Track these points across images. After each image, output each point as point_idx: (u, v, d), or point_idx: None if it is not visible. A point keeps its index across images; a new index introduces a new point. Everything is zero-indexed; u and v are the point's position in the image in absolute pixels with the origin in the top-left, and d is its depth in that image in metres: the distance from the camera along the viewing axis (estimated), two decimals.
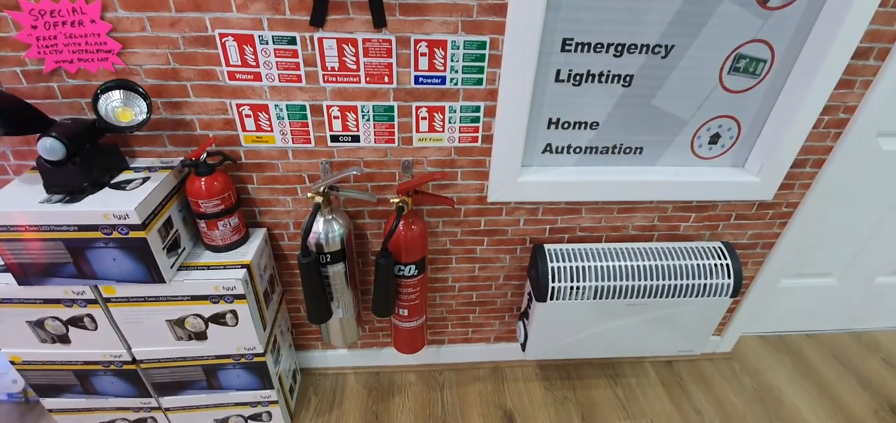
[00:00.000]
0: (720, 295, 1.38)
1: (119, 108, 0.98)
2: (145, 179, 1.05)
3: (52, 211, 0.94)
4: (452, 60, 1.08)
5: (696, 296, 1.37)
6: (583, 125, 1.25)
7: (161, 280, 1.06)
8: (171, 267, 1.10)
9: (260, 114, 1.12)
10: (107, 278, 1.05)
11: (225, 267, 1.15)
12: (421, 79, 1.11)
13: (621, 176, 1.31)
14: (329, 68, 1.07)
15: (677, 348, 1.57)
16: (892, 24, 1.12)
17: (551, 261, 1.34)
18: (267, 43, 1.03)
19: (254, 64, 1.05)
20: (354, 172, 1.13)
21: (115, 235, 0.97)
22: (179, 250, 1.13)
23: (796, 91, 1.19)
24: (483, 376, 1.75)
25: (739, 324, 1.78)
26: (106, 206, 0.95)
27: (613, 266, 1.34)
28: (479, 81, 1.12)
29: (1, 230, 0.95)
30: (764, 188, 1.36)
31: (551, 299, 1.34)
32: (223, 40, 1.02)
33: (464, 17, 1.03)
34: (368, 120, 1.16)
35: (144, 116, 1.00)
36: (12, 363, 1.20)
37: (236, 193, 1.18)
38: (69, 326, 1.15)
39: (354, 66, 1.07)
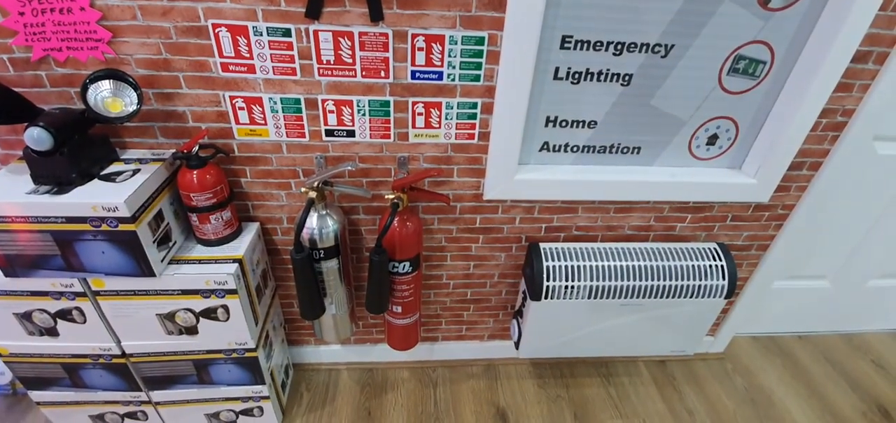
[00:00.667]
0: (714, 296, 1.38)
1: (109, 98, 0.96)
2: (136, 171, 1.03)
3: (40, 202, 0.92)
4: (450, 56, 1.07)
5: (691, 297, 1.37)
6: (581, 124, 1.24)
7: (151, 274, 1.05)
8: (162, 261, 1.08)
9: (253, 106, 1.11)
10: (95, 270, 1.03)
11: (217, 261, 1.13)
12: (418, 74, 1.09)
13: (618, 176, 1.30)
14: (324, 61, 1.05)
15: (671, 349, 1.58)
16: (892, 28, 1.11)
17: (547, 260, 1.33)
18: (261, 34, 1.01)
19: (248, 55, 1.03)
20: (349, 168, 1.11)
21: (105, 227, 0.96)
22: (170, 244, 1.12)
23: (795, 93, 1.19)
24: (476, 373, 1.75)
25: (733, 325, 1.79)
26: (95, 198, 0.93)
27: (609, 266, 1.33)
28: (477, 78, 1.11)
29: None
30: (760, 190, 1.36)
31: (546, 297, 1.34)
32: (216, 31, 1.00)
33: (462, 12, 1.02)
34: (364, 115, 1.14)
35: (135, 107, 0.98)
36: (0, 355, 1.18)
37: (229, 187, 1.16)
38: (57, 319, 1.13)
39: (350, 60, 1.06)
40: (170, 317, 1.15)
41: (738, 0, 1.06)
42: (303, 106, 1.12)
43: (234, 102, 1.10)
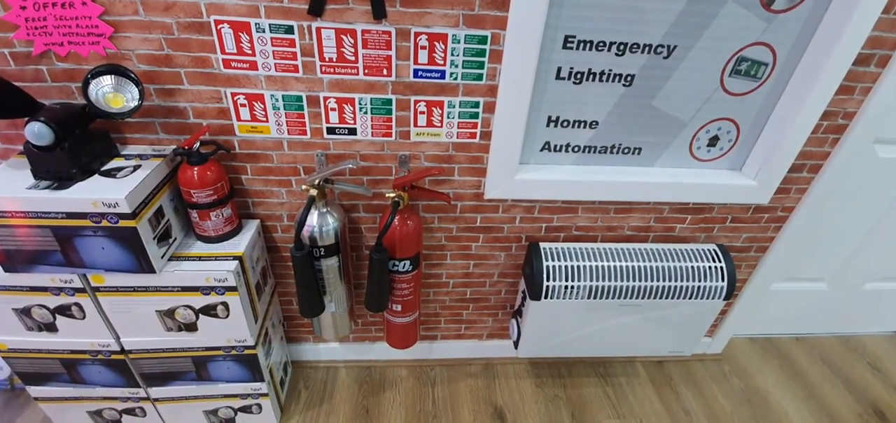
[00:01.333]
0: (713, 298, 1.38)
1: (110, 93, 0.96)
2: (136, 167, 1.03)
3: (40, 197, 0.91)
4: (453, 55, 1.07)
5: (690, 298, 1.37)
6: (582, 124, 1.24)
7: (151, 270, 1.04)
8: (162, 257, 1.08)
9: (255, 103, 1.10)
10: (95, 266, 1.03)
11: (217, 258, 1.13)
12: (420, 72, 1.09)
13: (619, 176, 1.30)
14: (327, 59, 1.05)
15: (669, 349, 1.58)
16: (894, 31, 1.11)
17: (546, 260, 1.33)
18: (263, 31, 1.01)
19: (250, 52, 1.03)
20: (350, 166, 1.11)
21: (105, 223, 0.95)
22: (170, 240, 1.11)
23: (797, 95, 1.19)
24: (475, 372, 1.75)
25: (730, 326, 1.79)
26: (95, 193, 0.93)
27: (608, 266, 1.33)
28: (479, 77, 1.11)
29: None
30: (760, 192, 1.36)
31: (545, 297, 1.34)
32: (218, 27, 0.99)
33: (465, 11, 1.02)
34: (366, 113, 1.14)
35: (136, 103, 0.98)
36: None
37: (229, 184, 1.16)
38: (56, 314, 1.13)
39: (353, 58, 1.05)
40: (169, 314, 1.15)
41: (742, 1, 1.06)
42: (304, 103, 1.11)
43: (235, 98, 1.09)
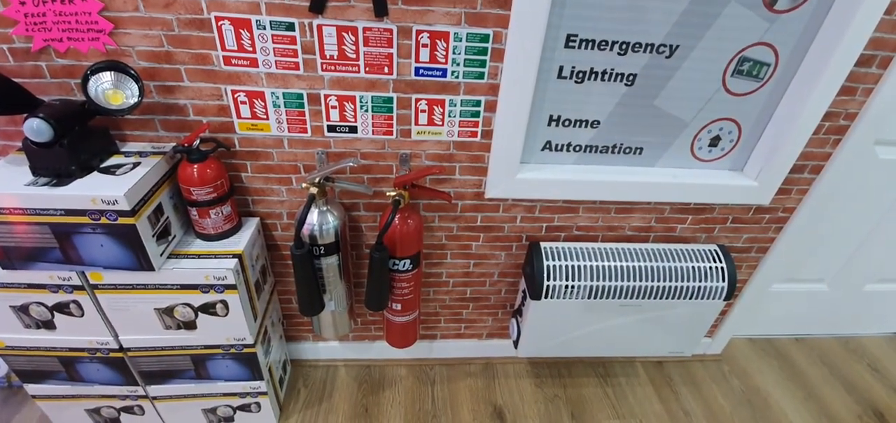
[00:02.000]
0: (714, 298, 1.38)
1: (110, 90, 0.95)
2: (136, 165, 1.02)
3: (39, 194, 0.91)
4: (454, 53, 1.06)
5: (690, 298, 1.37)
6: (583, 123, 1.24)
7: (150, 268, 1.04)
8: (161, 255, 1.07)
9: (256, 101, 1.10)
10: (94, 264, 1.02)
11: (216, 256, 1.13)
12: (422, 71, 1.08)
13: (620, 176, 1.30)
14: (328, 56, 1.05)
15: (669, 350, 1.58)
16: None
17: (547, 259, 1.33)
18: (264, 28, 1.00)
19: (250, 49, 1.02)
20: (351, 164, 1.11)
21: (104, 220, 0.95)
22: (170, 238, 1.11)
23: (799, 96, 1.19)
24: (474, 371, 1.74)
25: (731, 326, 1.79)
26: (94, 190, 0.92)
27: (609, 266, 1.33)
28: (481, 76, 1.10)
29: None
30: (762, 193, 1.36)
31: (546, 297, 1.33)
32: (219, 24, 0.99)
33: (467, 9, 1.01)
34: (367, 111, 1.13)
35: (136, 100, 0.97)
36: None
37: (229, 182, 1.15)
38: (54, 312, 1.12)
39: (354, 56, 1.05)
40: (168, 312, 1.15)
41: (744, 1, 1.06)
42: (305, 101, 1.11)
43: (235, 95, 1.09)
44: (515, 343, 1.56)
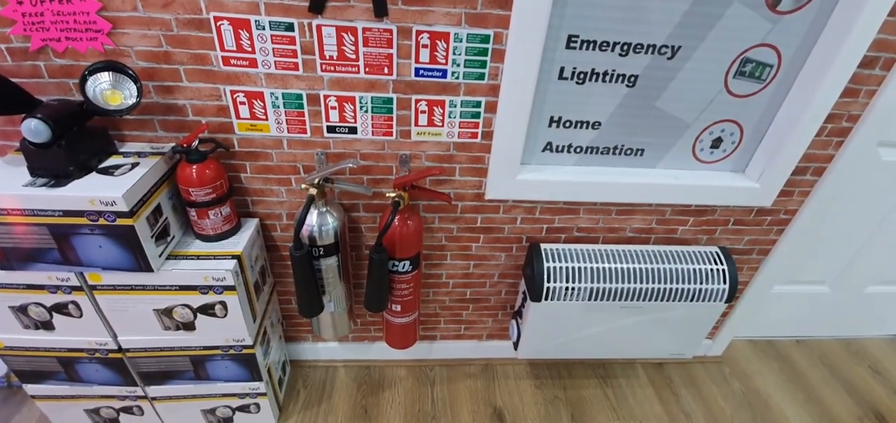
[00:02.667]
0: (715, 300, 1.37)
1: (108, 90, 0.94)
2: (134, 165, 1.02)
3: (36, 195, 0.90)
4: (454, 53, 1.06)
5: (691, 301, 1.36)
6: (584, 125, 1.23)
7: (149, 269, 1.03)
8: (160, 256, 1.07)
9: (255, 101, 1.09)
10: (92, 265, 1.02)
11: (215, 257, 1.12)
12: (422, 71, 1.08)
13: (621, 178, 1.29)
14: (327, 57, 1.04)
15: (670, 352, 1.57)
16: None
17: (547, 261, 1.32)
18: (263, 28, 0.99)
19: (249, 49, 1.02)
20: (350, 165, 1.10)
21: (102, 221, 0.94)
22: (168, 239, 1.10)
23: (801, 97, 1.18)
24: (474, 373, 1.74)
25: (731, 328, 1.79)
26: (92, 191, 0.92)
27: (610, 268, 1.32)
28: (481, 76, 1.10)
29: None
30: (763, 195, 1.35)
31: (546, 299, 1.33)
32: (218, 24, 0.98)
33: (468, 9, 1.00)
34: (366, 111, 1.13)
35: (134, 100, 0.97)
36: None
37: (228, 182, 1.15)
38: (53, 312, 1.12)
39: (353, 56, 1.04)
40: (167, 313, 1.14)
41: (747, 2, 1.05)
42: (304, 101, 1.10)
43: (234, 96, 1.08)
44: (515, 345, 1.55)
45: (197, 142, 1.06)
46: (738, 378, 1.81)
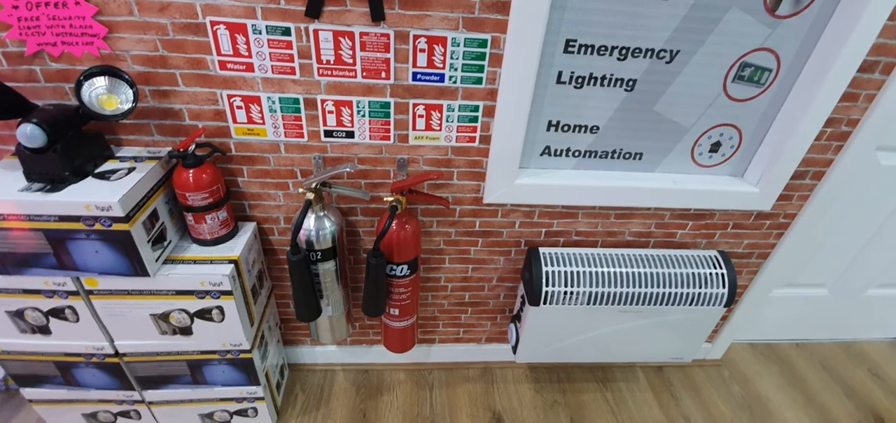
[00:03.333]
0: (714, 304, 1.36)
1: (104, 95, 0.94)
2: (131, 170, 1.01)
3: (32, 200, 0.90)
4: (452, 58, 1.05)
5: (691, 305, 1.36)
6: (583, 129, 1.23)
7: (145, 274, 1.03)
8: (156, 260, 1.07)
9: (252, 106, 1.09)
10: (89, 270, 1.01)
11: (212, 262, 1.12)
12: (419, 76, 1.07)
13: (620, 182, 1.29)
14: (324, 61, 1.04)
15: (669, 355, 1.57)
16: None
17: (546, 265, 1.32)
18: (260, 33, 0.99)
19: (246, 54, 1.01)
20: (348, 169, 1.10)
21: (98, 227, 0.94)
22: (165, 243, 1.10)
23: (800, 102, 1.18)
24: (473, 376, 1.74)
25: (731, 332, 1.78)
26: (88, 196, 0.92)
27: (608, 272, 1.32)
28: (479, 81, 1.09)
29: None
30: (763, 199, 1.35)
31: (544, 303, 1.32)
32: (214, 28, 0.98)
33: (465, 14, 1.00)
34: (364, 116, 1.12)
35: (130, 105, 0.96)
36: None
37: (225, 187, 1.14)
38: (50, 317, 1.11)
39: (351, 61, 1.04)
40: (164, 317, 1.14)
41: (746, 7, 1.05)
42: (302, 106, 1.10)
43: (231, 100, 1.08)
44: (514, 349, 1.55)
45: (193, 146, 1.05)
46: (738, 382, 1.81)
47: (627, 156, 1.29)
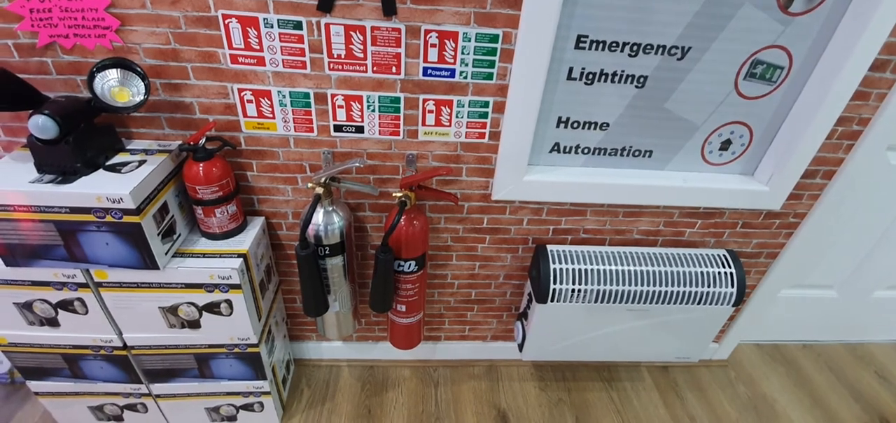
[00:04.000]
0: (722, 304, 1.36)
1: (116, 87, 0.94)
2: (141, 163, 1.02)
3: (43, 191, 0.90)
4: (463, 53, 1.05)
5: (698, 304, 1.35)
6: (593, 125, 1.22)
7: (155, 267, 1.03)
8: (166, 253, 1.07)
9: (262, 100, 1.09)
10: (98, 262, 1.01)
11: (221, 255, 1.12)
12: (430, 71, 1.07)
13: (629, 179, 1.29)
14: (335, 56, 1.04)
15: (675, 355, 1.56)
16: None
17: (553, 262, 1.31)
18: (272, 26, 0.99)
19: (257, 48, 1.01)
20: (357, 164, 1.10)
21: (109, 219, 0.94)
22: (175, 237, 1.10)
23: (812, 100, 1.17)
24: (478, 374, 1.73)
25: (738, 332, 1.77)
26: (99, 188, 0.92)
27: (616, 271, 1.32)
28: (490, 76, 1.09)
29: None
30: (772, 198, 1.34)
31: (552, 301, 1.32)
32: (226, 22, 0.98)
33: (477, 9, 1.00)
34: (374, 111, 1.12)
35: (142, 97, 0.96)
36: None
37: (235, 180, 1.14)
38: (58, 309, 1.11)
39: (361, 55, 1.04)
40: (172, 310, 1.14)
41: (758, 3, 1.04)
42: (312, 100, 1.10)
43: (242, 94, 1.08)
44: (520, 346, 1.54)
45: (204, 140, 1.05)
46: (744, 382, 1.80)
47: (637, 153, 1.29)
